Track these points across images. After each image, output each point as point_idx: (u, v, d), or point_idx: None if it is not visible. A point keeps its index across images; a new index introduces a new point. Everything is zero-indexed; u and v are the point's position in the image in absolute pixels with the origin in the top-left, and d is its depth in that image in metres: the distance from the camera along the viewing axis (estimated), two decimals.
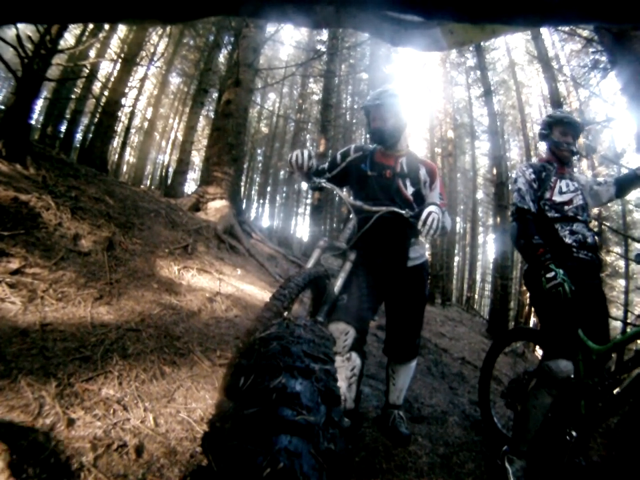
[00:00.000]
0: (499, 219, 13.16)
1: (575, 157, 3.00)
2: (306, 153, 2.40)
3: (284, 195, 29.98)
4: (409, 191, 2.56)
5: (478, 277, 27.90)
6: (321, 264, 2.10)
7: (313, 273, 1.84)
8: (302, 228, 33.01)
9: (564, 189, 2.81)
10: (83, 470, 1.35)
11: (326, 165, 2.70)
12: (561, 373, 2.33)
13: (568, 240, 2.64)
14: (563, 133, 2.87)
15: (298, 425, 0.57)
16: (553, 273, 2.39)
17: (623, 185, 2.85)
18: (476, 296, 26.63)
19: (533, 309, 15.99)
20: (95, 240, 3.67)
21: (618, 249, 14.77)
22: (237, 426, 0.57)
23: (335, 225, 25.30)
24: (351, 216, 2.39)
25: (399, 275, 2.55)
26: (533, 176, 2.82)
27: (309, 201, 28.03)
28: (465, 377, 4.98)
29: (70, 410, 1.63)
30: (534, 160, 3.08)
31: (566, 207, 2.74)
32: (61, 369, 1.86)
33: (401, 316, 2.60)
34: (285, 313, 1.54)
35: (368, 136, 2.77)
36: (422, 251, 2.66)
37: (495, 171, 13.42)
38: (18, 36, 3.93)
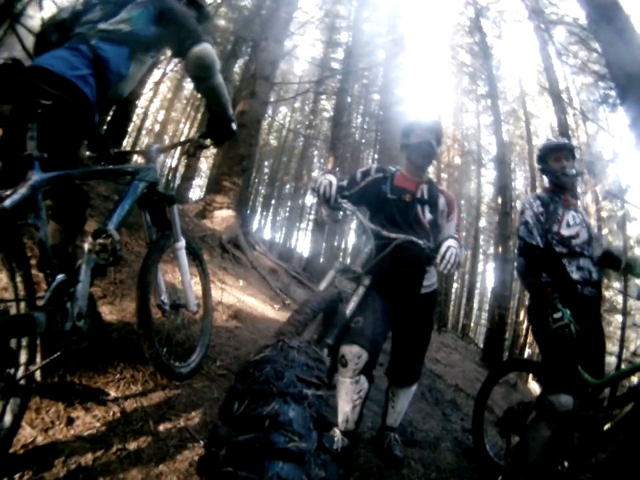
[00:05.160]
0: (500, 249, 13.17)
1: (578, 178, 3.01)
2: (334, 184, 2.33)
3: (287, 208, 30.03)
4: (427, 218, 2.58)
5: (475, 305, 27.81)
6: (335, 285, 2.11)
7: (328, 298, 1.84)
8: (303, 243, 33.02)
9: (571, 222, 2.80)
10: (81, 472, 1.35)
11: (344, 183, 2.66)
12: (561, 407, 2.35)
13: (575, 276, 2.65)
14: (556, 159, 2.90)
15: (290, 452, 0.58)
16: (560, 314, 2.41)
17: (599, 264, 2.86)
18: (472, 323, 26.50)
19: (527, 339, 15.94)
20: None
21: (617, 284, 14.74)
22: (231, 451, 0.59)
23: (336, 243, 25.31)
24: (364, 237, 2.39)
25: (411, 302, 2.56)
26: (540, 209, 2.82)
27: (312, 217, 28.06)
28: (458, 404, 4.96)
29: (70, 408, 1.63)
30: (539, 191, 3.11)
31: (573, 242, 2.74)
32: (61, 367, 1.86)
33: (409, 341, 2.62)
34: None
35: (403, 152, 2.77)
36: (433, 278, 2.68)
37: (499, 200, 13.49)
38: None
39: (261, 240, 11.09)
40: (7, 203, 1.25)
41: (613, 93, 9.32)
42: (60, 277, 1.47)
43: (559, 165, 2.88)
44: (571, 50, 13.36)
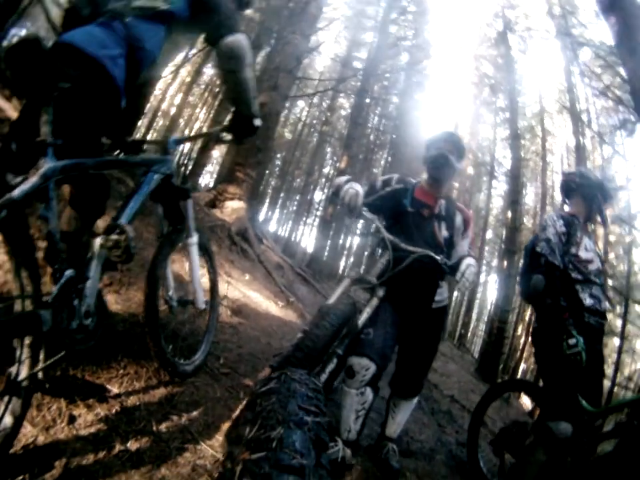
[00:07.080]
0: (505, 263, 13.09)
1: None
2: (360, 195, 2.35)
3: (296, 202, 29.88)
4: (443, 235, 2.59)
5: (474, 316, 27.82)
6: (349, 296, 2.12)
7: (347, 312, 1.88)
8: (307, 238, 32.91)
9: (588, 247, 2.84)
10: (83, 474, 1.31)
11: (364, 190, 2.64)
12: (560, 434, 2.39)
13: (587, 303, 2.67)
14: (608, 205, 3.04)
15: (293, 468, 0.70)
16: (574, 340, 2.43)
17: None
18: (469, 334, 26.51)
19: (523, 354, 15.84)
20: None
21: (618, 309, 14.69)
22: (246, 468, 0.71)
23: (341, 241, 25.23)
24: (381, 247, 2.38)
25: (422, 316, 2.57)
26: (563, 228, 2.83)
27: (319, 213, 27.95)
28: (453, 415, 4.93)
29: (72, 405, 1.60)
30: (561, 210, 3.17)
31: (589, 267, 2.77)
32: (64, 360, 1.82)
33: (416, 355, 2.63)
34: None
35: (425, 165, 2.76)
36: (445, 293, 2.68)
37: (509, 215, 13.42)
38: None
39: (267, 233, 11.05)
40: (16, 192, 1.18)
41: (632, 118, 9.35)
42: (69, 272, 1.41)
43: (606, 211, 3.03)
44: (595, 72, 13.25)
